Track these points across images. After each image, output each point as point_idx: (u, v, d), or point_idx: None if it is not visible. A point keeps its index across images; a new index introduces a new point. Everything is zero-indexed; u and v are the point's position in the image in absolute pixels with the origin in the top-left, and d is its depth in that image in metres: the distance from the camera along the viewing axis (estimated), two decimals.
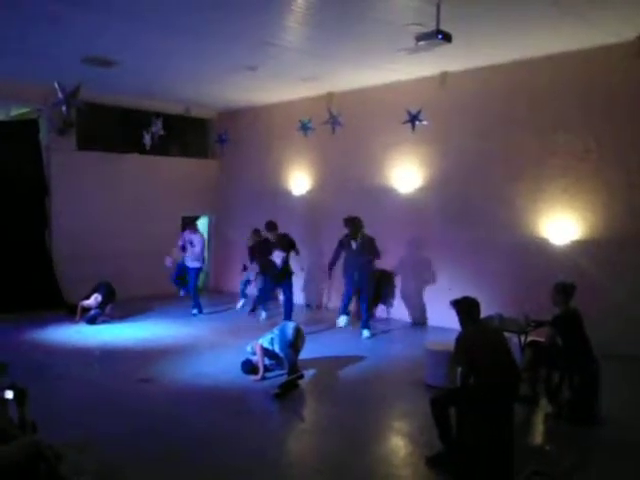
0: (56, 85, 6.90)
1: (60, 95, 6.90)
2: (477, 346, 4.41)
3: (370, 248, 8.38)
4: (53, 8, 6.07)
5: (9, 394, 3.65)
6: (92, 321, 9.16)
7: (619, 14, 6.20)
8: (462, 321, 4.60)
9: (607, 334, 6.59)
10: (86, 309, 9.32)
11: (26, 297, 9.82)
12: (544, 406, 5.61)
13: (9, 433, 3.49)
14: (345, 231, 8.51)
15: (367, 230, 8.54)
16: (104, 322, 9.28)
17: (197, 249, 9.87)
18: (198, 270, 10.09)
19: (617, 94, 7.32)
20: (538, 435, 5.36)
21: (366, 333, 8.58)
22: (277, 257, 8.94)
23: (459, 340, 4.49)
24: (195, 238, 9.91)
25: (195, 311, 10.06)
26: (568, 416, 5.32)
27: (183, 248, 9.97)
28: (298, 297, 11.18)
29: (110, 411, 5.57)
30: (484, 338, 4.52)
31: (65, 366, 7.10)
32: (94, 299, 9.34)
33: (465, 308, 4.61)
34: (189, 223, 10.37)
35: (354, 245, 8.42)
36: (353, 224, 8.39)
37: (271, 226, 9.18)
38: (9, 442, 3.38)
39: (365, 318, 8.63)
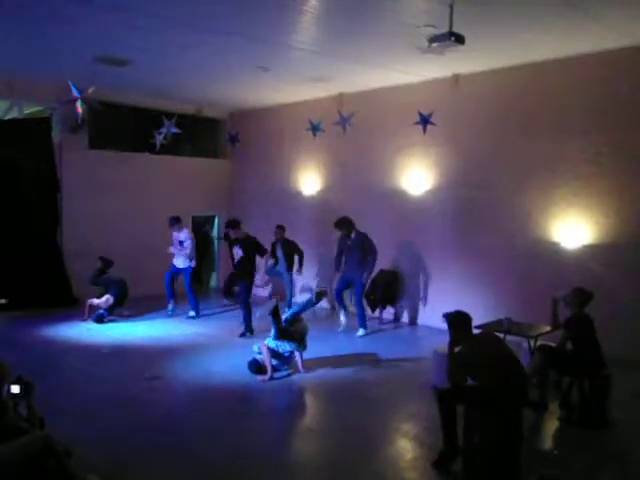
0: (70, 84, 6.93)
1: (73, 94, 6.94)
2: (475, 360, 4.38)
3: (364, 244, 8.53)
4: (68, 7, 6.10)
5: (15, 388, 3.67)
6: (99, 320, 9.15)
7: (634, 15, 6.13)
8: (454, 335, 4.60)
9: (618, 339, 6.53)
10: (95, 307, 9.30)
11: (37, 294, 9.90)
12: (554, 410, 5.57)
13: (19, 428, 3.51)
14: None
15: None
16: (111, 321, 9.29)
17: (187, 248, 9.42)
18: (191, 270, 9.65)
19: (630, 97, 7.25)
20: (548, 439, 5.31)
21: (361, 332, 8.57)
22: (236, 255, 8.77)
23: (456, 357, 4.47)
24: (182, 235, 9.48)
25: (192, 313, 9.64)
26: (578, 421, 5.28)
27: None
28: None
29: (118, 408, 5.60)
30: (482, 350, 4.46)
31: (74, 363, 7.16)
32: (105, 300, 9.28)
33: (460, 323, 4.59)
34: (173, 221, 9.56)
35: (349, 242, 8.61)
36: (344, 224, 8.59)
37: (234, 224, 8.79)
38: (19, 437, 3.40)
39: (360, 315, 8.61)
